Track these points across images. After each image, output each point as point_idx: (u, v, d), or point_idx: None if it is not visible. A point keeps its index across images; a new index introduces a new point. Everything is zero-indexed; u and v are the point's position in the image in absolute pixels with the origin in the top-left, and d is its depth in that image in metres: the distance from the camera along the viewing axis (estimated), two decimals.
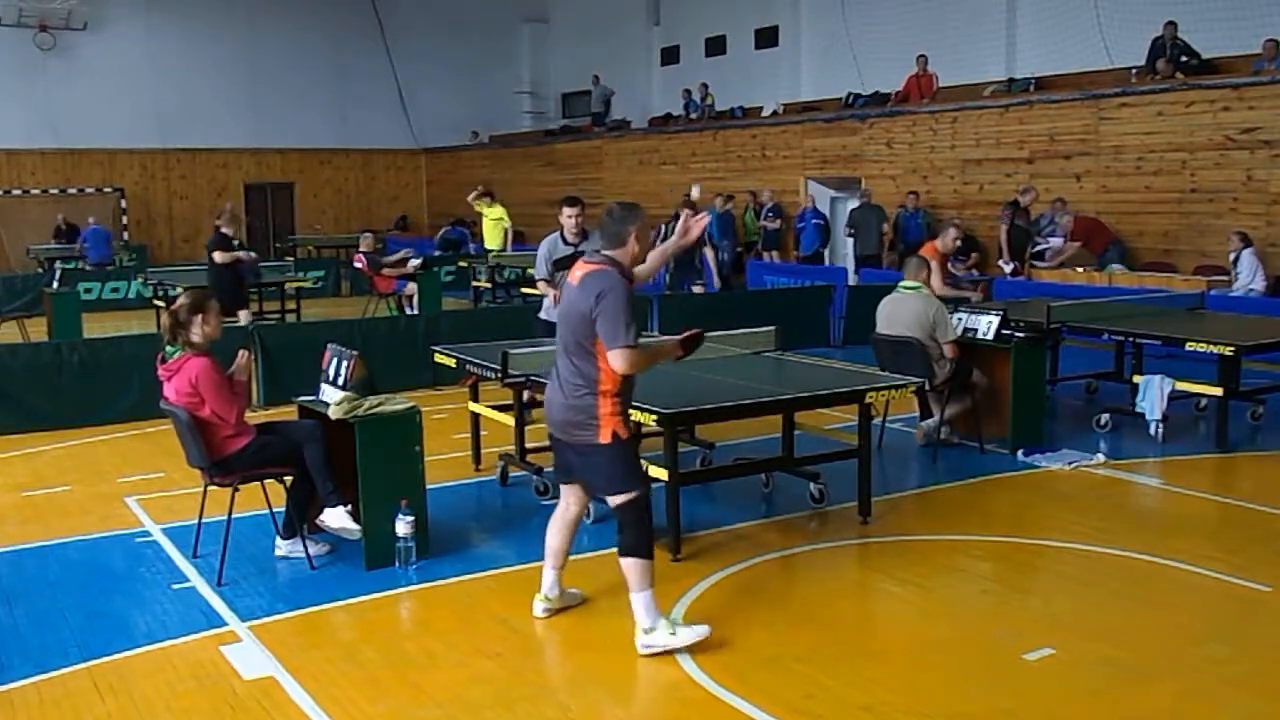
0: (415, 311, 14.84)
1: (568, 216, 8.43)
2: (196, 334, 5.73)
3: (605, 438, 4.72)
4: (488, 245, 17.97)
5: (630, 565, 4.73)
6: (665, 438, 5.99)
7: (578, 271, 4.82)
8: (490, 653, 4.86)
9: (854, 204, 18.27)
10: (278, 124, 28.88)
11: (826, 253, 18.96)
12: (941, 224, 13.10)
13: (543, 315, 8.86)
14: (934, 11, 19.78)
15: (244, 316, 12.35)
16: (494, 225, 17.93)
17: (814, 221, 18.75)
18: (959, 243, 12.70)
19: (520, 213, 27.45)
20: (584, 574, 5.86)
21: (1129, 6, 16.61)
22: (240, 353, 6.12)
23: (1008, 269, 15.43)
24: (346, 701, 4.42)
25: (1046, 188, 15.95)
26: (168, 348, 5.77)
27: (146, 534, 6.61)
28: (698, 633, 4.78)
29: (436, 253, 22.45)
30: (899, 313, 8.19)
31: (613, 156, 24.98)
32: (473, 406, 7.93)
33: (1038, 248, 15.56)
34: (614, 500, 4.80)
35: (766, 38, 23.99)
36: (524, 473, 7.38)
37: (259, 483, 5.90)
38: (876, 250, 17.49)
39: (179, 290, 13.83)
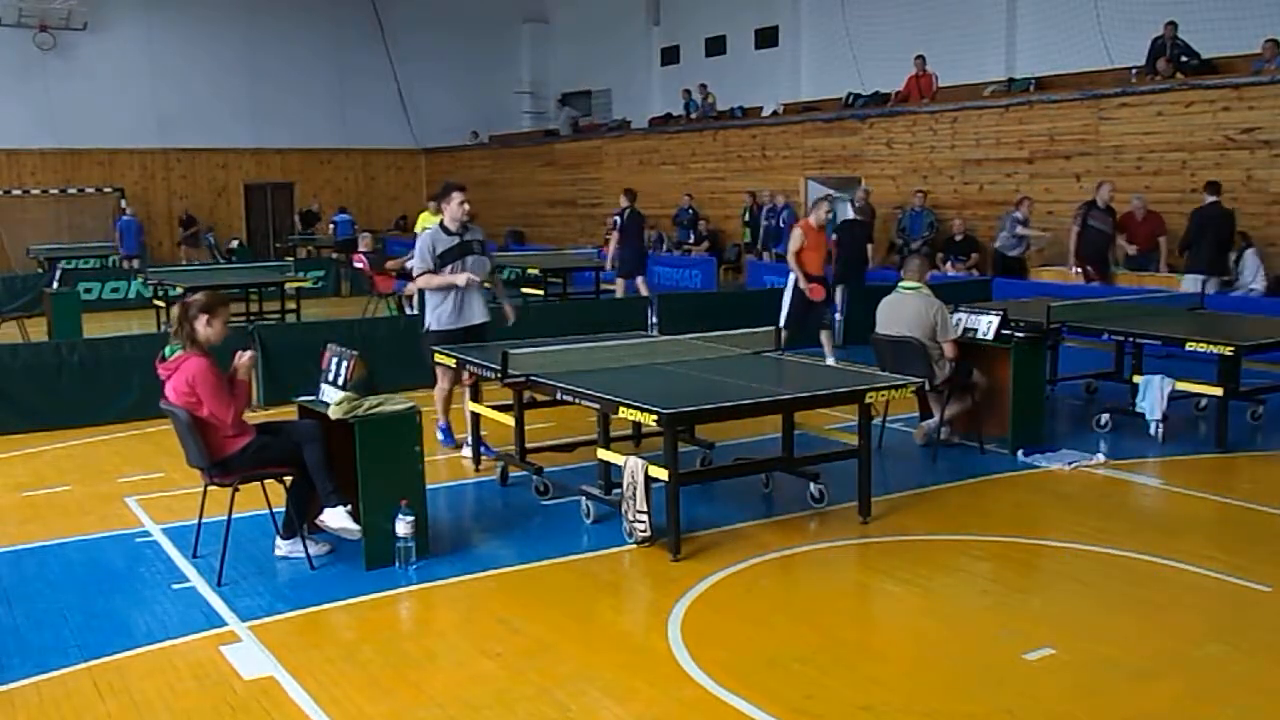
0: (415, 311, 14.81)
1: (460, 203, 7.88)
2: (199, 333, 5.74)
3: None
4: None
5: None
6: (665, 438, 5.99)
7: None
8: (490, 653, 4.85)
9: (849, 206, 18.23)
10: (278, 124, 28.89)
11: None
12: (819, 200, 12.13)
13: (435, 326, 8.04)
14: (934, 11, 19.77)
15: None
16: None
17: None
18: (830, 215, 11.99)
19: (521, 213, 27.51)
20: (584, 574, 5.87)
21: (1129, 6, 16.60)
22: (248, 353, 6.11)
23: (1076, 274, 14.04)
24: (346, 701, 4.42)
25: (1046, 188, 15.95)
26: (166, 347, 5.77)
27: (146, 534, 6.61)
28: None
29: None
30: (899, 313, 8.19)
31: (613, 156, 24.98)
32: (472, 406, 7.93)
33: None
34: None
35: (766, 38, 23.98)
36: (524, 473, 7.37)
37: (259, 483, 5.89)
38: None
39: (179, 290, 13.97)
